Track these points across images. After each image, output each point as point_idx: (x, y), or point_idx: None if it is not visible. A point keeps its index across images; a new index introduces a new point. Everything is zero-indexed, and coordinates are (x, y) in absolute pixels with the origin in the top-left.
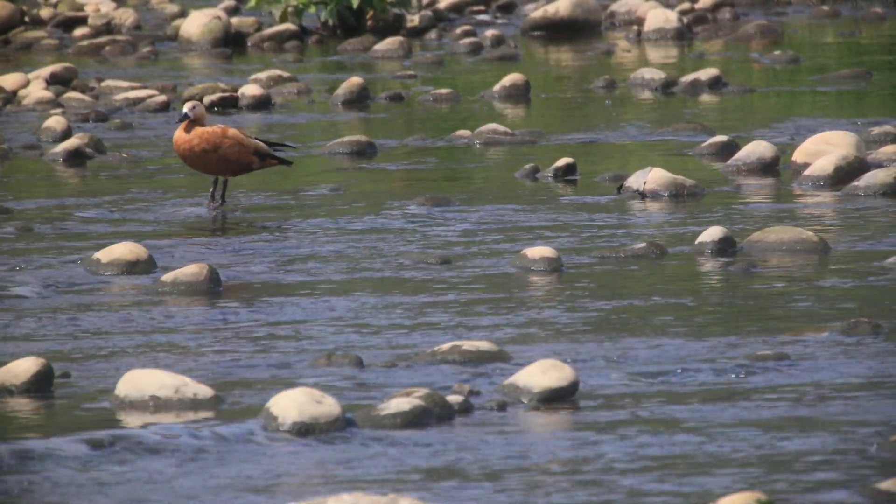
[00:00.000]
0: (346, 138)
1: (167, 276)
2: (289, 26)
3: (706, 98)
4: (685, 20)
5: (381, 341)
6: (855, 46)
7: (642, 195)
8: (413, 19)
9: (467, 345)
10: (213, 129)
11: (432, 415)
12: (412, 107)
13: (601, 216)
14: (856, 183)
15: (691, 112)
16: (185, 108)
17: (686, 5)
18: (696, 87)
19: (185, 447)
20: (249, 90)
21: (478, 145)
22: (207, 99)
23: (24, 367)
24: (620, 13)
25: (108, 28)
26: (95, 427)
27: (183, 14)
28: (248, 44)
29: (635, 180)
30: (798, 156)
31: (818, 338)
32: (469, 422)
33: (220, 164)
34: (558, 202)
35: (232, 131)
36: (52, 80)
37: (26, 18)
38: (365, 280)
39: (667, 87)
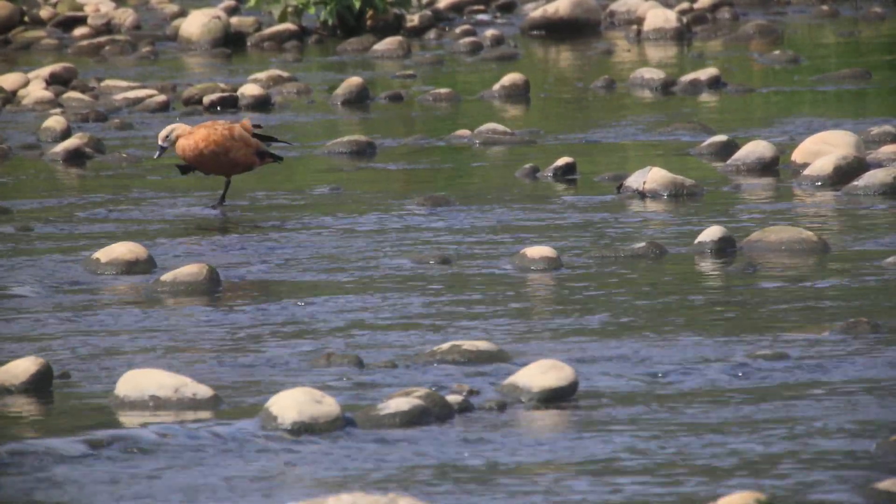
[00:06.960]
0: (345, 138)
1: (167, 276)
2: (288, 26)
3: (706, 98)
4: (684, 20)
5: (380, 341)
6: (855, 46)
7: (642, 195)
8: (413, 19)
9: (467, 344)
10: (220, 130)
11: (432, 414)
12: (412, 106)
13: (601, 216)
14: (855, 183)
15: (691, 112)
16: (160, 141)
17: (685, 5)
18: (695, 86)
19: (184, 447)
20: (249, 90)
21: (477, 145)
22: (207, 99)
23: (23, 367)
24: (620, 13)
25: (108, 28)
26: (95, 427)
27: (183, 14)
28: (248, 44)
29: (635, 180)
30: (797, 155)
31: (818, 338)
32: (468, 422)
33: (229, 165)
34: (558, 202)
35: (238, 131)
36: (52, 80)
37: (26, 18)
38: (365, 280)
39: (666, 86)
